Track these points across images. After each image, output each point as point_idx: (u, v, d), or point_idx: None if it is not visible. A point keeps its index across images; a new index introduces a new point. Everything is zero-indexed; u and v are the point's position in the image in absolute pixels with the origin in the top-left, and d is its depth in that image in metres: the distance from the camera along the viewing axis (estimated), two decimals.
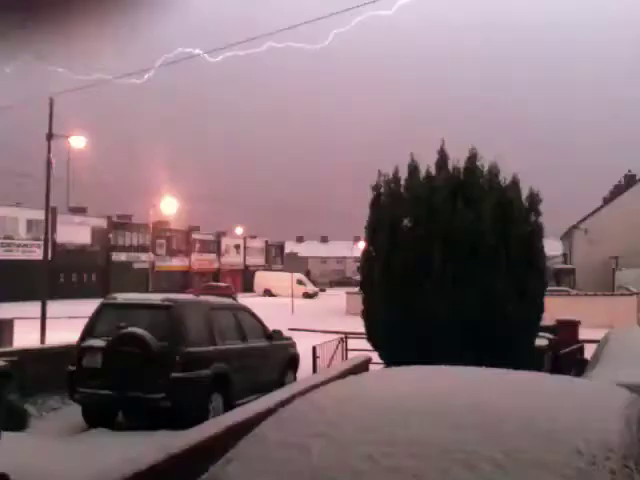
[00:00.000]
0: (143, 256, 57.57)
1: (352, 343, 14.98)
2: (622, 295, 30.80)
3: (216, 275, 72.98)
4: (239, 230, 76.85)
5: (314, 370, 13.09)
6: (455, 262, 9.96)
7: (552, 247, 37.19)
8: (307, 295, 62.81)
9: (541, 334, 11.37)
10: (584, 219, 42.53)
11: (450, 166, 10.99)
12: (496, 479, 1.80)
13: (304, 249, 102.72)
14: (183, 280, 65.92)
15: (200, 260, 72.43)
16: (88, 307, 14.38)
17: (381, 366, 10.41)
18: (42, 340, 18.88)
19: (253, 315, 12.11)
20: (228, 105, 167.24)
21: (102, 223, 60.02)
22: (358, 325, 11.95)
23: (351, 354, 13.88)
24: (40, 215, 31.70)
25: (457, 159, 10.93)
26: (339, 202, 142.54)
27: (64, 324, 23.45)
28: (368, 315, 11.02)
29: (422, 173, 11.11)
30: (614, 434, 2.05)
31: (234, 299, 21.04)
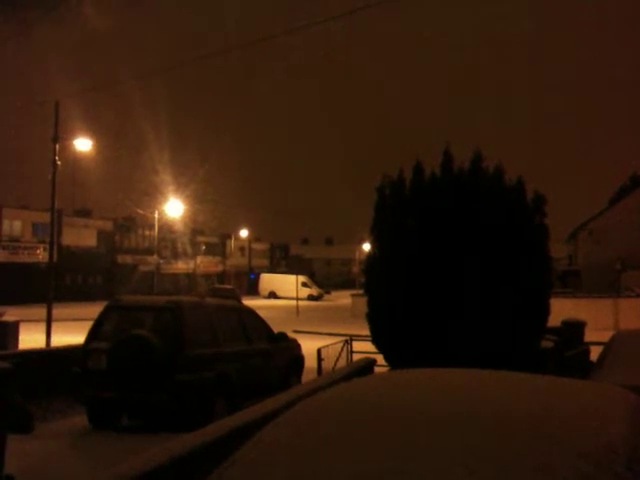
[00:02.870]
0: (149, 258, 57.63)
1: (357, 345, 14.97)
2: (628, 297, 30.69)
3: (221, 277, 73.05)
4: (244, 232, 76.88)
5: (319, 372, 13.10)
6: (460, 264, 9.94)
7: (558, 249, 37.11)
8: (312, 297, 62.85)
9: (546, 336, 11.33)
10: (590, 220, 42.37)
11: (455, 167, 10.97)
12: None
13: (309, 251, 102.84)
14: (188, 282, 66.02)
15: (205, 262, 72.51)
16: (93, 309, 14.46)
17: (386, 368, 10.40)
18: (48, 342, 18.92)
19: (257, 317, 12.11)
20: (234, 108, 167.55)
21: (108, 225, 60.17)
22: (363, 327, 11.93)
23: (356, 356, 13.87)
24: (46, 217, 31.84)
25: (462, 160, 10.91)
26: (344, 204, 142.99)
27: (69, 326, 23.55)
28: (373, 317, 11.00)
29: (427, 174, 11.09)
30: (618, 437, 2.04)
31: (239, 301, 21.04)
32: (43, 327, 19.68)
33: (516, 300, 9.90)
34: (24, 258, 49.54)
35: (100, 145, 35.26)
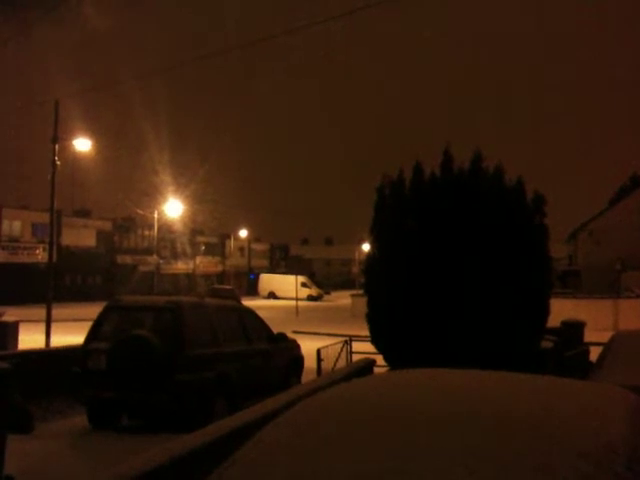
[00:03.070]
0: (148, 258, 57.62)
1: (357, 346, 14.97)
2: (628, 297, 30.69)
3: (220, 277, 73.02)
4: (243, 232, 76.85)
5: (318, 373, 13.09)
6: (460, 264, 9.94)
7: (558, 249, 37.09)
8: (311, 297, 62.85)
9: (546, 336, 11.33)
10: (590, 221, 42.36)
11: (455, 167, 10.97)
12: None
13: (309, 251, 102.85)
14: (188, 283, 65.99)
15: (205, 262, 72.48)
16: (93, 309, 14.45)
17: (386, 369, 10.40)
18: (47, 343, 18.92)
19: (257, 317, 12.11)
20: (234, 108, 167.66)
21: (107, 226, 60.15)
22: (363, 327, 11.93)
23: (356, 357, 13.87)
24: (45, 218, 31.82)
25: (462, 160, 10.92)
26: (344, 204, 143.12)
27: (69, 326, 23.54)
28: (373, 317, 11.00)
29: (427, 174, 11.09)
30: (618, 437, 2.04)
31: (238, 302, 21.05)
32: (43, 327, 19.67)
33: (516, 300, 9.90)
34: (24, 258, 49.51)
35: (100, 145, 35.29)
